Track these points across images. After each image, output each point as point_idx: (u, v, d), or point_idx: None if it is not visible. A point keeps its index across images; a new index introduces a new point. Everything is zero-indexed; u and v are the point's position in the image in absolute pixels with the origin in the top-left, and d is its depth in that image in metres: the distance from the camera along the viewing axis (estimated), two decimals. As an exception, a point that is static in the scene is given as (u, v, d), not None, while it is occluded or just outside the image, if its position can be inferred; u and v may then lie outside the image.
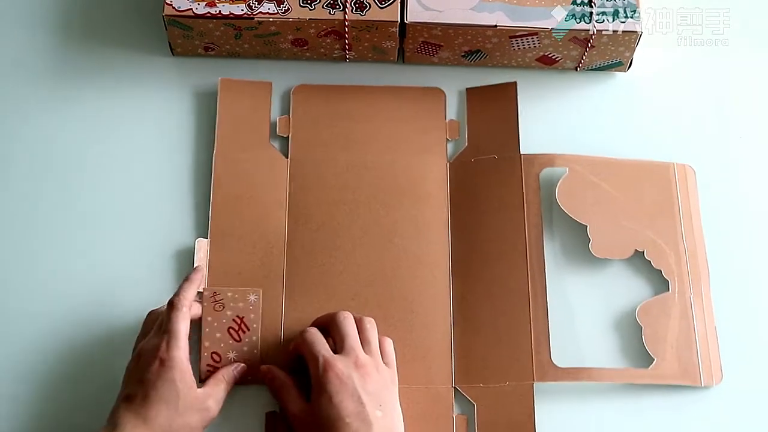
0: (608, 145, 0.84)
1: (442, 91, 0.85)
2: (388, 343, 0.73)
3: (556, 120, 0.85)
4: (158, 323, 0.71)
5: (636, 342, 0.76)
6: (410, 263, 0.78)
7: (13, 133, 0.84)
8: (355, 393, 0.66)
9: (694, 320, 0.77)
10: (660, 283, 0.78)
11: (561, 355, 0.75)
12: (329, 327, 0.72)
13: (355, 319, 0.72)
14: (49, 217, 0.80)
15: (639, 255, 0.79)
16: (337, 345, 0.70)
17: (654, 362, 0.75)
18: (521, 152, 0.82)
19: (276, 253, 0.79)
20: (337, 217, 0.80)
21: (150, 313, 0.74)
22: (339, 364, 0.67)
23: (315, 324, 0.73)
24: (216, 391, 0.70)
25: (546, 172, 0.81)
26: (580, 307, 0.78)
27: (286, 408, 0.70)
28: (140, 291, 0.78)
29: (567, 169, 0.81)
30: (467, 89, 0.86)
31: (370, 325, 0.72)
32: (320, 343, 0.69)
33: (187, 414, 0.66)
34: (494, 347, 0.75)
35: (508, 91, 0.85)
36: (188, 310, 0.70)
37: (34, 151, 0.83)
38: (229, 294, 0.75)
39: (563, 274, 0.79)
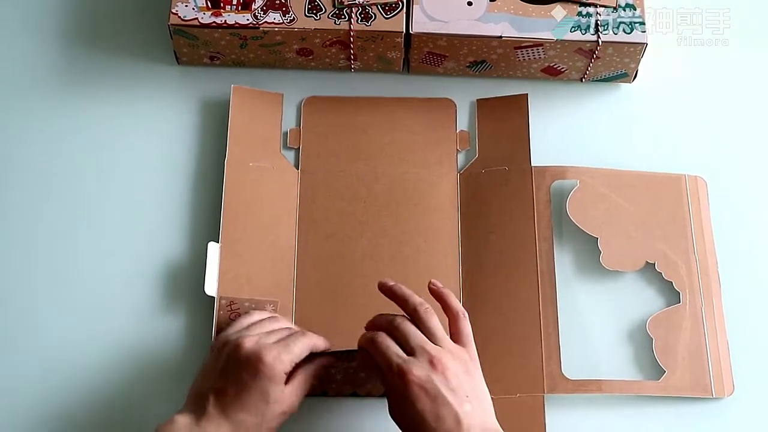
0: (614, 156, 0.84)
1: (453, 102, 0.85)
2: (462, 319, 0.68)
3: (561, 131, 0.85)
4: (254, 321, 0.70)
5: (647, 354, 0.76)
6: (419, 274, 0.78)
7: (19, 140, 0.84)
8: (438, 395, 0.62)
9: (706, 332, 0.76)
10: (671, 294, 0.78)
11: (572, 367, 0.75)
12: (388, 332, 0.67)
13: (410, 312, 0.68)
14: (55, 223, 0.80)
15: (650, 267, 0.79)
16: (404, 348, 0.65)
17: (665, 374, 0.75)
18: (531, 164, 0.82)
19: (286, 262, 0.79)
20: (347, 227, 0.80)
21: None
22: (415, 369, 0.63)
23: (370, 328, 0.69)
24: (302, 388, 0.67)
25: (557, 184, 0.81)
26: (591, 319, 0.78)
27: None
28: (143, 298, 0.78)
29: (578, 181, 0.81)
30: (478, 100, 0.85)
31: (427, 314, 0.67)
32: (392, 348, 0.65)
33: (272, 420, 0.66)
34: (504, 359, 0.75)
35: (520, 103, 0.85)
36: (313, 346, 0.68)
37: (40, 158, 0.83)
38: (246, 304, 0.75)
39: (574, 286, 0.79)
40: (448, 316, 0.68)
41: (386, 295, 0.70)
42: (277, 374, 0.65)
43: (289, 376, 0.67)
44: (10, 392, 0.74)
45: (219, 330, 0.73)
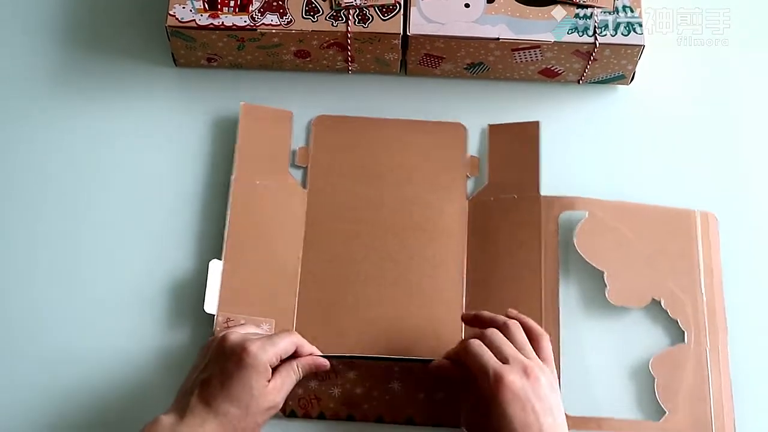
0: (610, 159, 0.84)
1: (464, 127, 0.84)
2: (545, 339, 0.70)
3: (557, 133, 0.84)
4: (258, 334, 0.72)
5: (649, 393, 0.75)
6: (423, 301, 0.77)
7: (17, 142, 0.84)
8: (528, 403, 0.64)
9: (710, 374, 0.75)
10: (677, 333, 0.76)
11: (571, 402, 0.73)
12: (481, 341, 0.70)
13: (499, 328, 0.70)
14: (50, 228, 0.81)
15: (656, 304, 0.77)
16: (497, 356, 0.68)
17: (665, 415, 0.74)
18: (541, 192, 0.80)
19: (289, 282, 0.78)
20: (352, 250, 0.79)
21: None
22: (510, 375, 0.65)
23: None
24: (286, 384, 0.69)
25: (565, 214, 0.80)
26: (594, 355, 0.76)
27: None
28: (144, 313, 0.78)
29: (587, 212, 0.79)
30: (490, 126, 0.84)
31: (516, 329, 0.70)
32: (488, 354, 0.67)
33: (257, 415, 0.66)
34: None
35: (531, 131, 0.83)
36: (298, 344, 0.70)
37: (38, 160, 0.83)
38: (243, 321, 0.75)
39: (578, 319, 0.77)
40: (529, 338, 0.70)
41: (471, 323, 0.73)
42: (260, 364, 0.66)
43: (275, 373, 0.68)
44: (9, 407, 0.74)
45: None
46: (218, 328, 0.74)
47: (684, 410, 0.74)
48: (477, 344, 0.68)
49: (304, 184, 0.82)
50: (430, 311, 0.77)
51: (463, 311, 0.77)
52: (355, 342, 0.76)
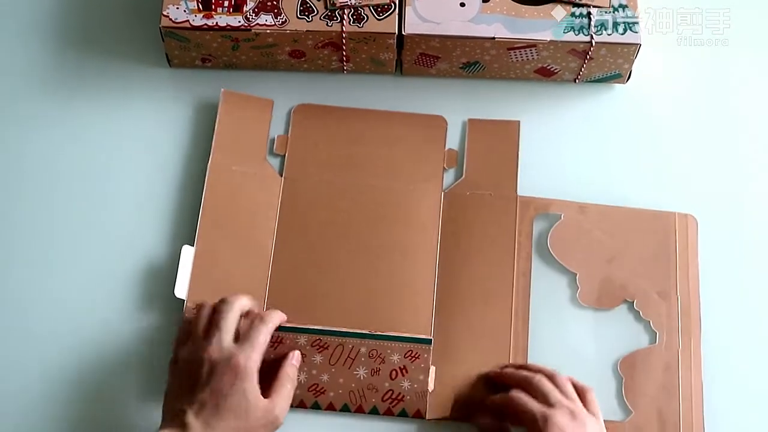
0: (606, 159, 0.83)
1: (444, 119, 0.84)
2: (590, 393, 0.72)
3: (553, 132, 0.84)
4: (211, 322, 0.70)
5: (616, 393, 0.75)
6: (394, 290, 0.78)
7: (9, 141, 0.84)
8: None
9: (680, 374, 0.75)
10: (647, 334, 0.76)
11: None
12: (525, 388, 0.71)
13: (546, 375, 0.72)
14: (42, 224, 0.81)
15: (628, 305, 0.77)
16: (542, 402, 0.69)
17: (631, 415, 0.74)
18: (526, 191, 0.80)
19: (260, 268, 0.78)
20: (325, 238, 0.79)
21: (186, 321, 0.73)
22: (557, 416, 0.67)
23: (502, 380, 0.73)
24: (282, 399, 0.69)
25: (543, 215, 0.80)
26: (562, 354, 0.76)
27: None
28: (116, 297, 0.78)
29: (562, 215, 0.79)
30: (469, 120, 0.84)
31: (564, 379, 0.72)
32: (532, 400, 0.69)
33: (256, 427, 0.66)
34: (472, 382, 0.75)
35: (511, 130, 0.83)
36: (273, 328, 0.71)
37: (31, 159, 0.83)
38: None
39: (548, 319, 0.77)
40: (577, 393, 0.71)
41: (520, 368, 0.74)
42: (251, 374, 0.67)
43: (270, 392, 0.68)
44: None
45: (182, 334, 0.73)
46: (187, 315, 0.75)
47: (651, 411, 0.74)
48: (521, 394, 0.70)
49: (281, 172, 0.82)
50: (400, 302, 0.77)
51: (434, 304, 0.76)
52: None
